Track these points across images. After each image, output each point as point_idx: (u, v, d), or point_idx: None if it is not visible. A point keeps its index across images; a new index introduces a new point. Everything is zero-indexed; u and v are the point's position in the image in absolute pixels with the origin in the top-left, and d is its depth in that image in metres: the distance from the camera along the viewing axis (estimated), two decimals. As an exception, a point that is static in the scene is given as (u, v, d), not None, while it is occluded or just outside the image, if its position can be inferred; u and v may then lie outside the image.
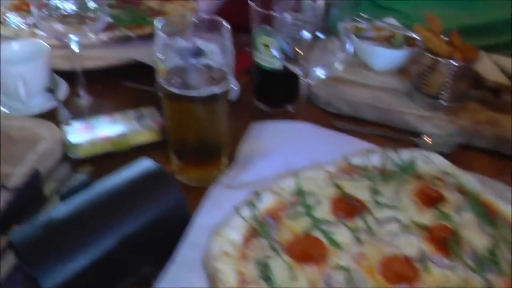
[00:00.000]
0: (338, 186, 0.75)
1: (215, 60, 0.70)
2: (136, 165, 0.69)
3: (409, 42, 1.06)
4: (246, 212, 0.69)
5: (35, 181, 0.79)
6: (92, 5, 0.93)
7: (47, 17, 0.93)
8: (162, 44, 0.70)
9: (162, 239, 0.66)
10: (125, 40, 1.09)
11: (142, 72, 1.05)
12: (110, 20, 0.95)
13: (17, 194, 0.75)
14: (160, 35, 0.69)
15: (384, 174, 0.78)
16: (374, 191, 0.75)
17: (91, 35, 0.94)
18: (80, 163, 0.85)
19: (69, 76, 1.03)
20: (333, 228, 0.69)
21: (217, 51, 0.70)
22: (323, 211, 0.71)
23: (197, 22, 0.74)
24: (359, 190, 0.75)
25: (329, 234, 0.68)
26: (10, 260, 0.66)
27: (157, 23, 0.71)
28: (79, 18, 0.94)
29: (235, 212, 0.69)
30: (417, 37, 1.03)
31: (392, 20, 1.13)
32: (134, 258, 0.64)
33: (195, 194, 0.72)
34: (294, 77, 0.93)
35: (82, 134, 0.87)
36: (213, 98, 0.71)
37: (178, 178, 0.80)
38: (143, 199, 0.65)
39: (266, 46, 0.89)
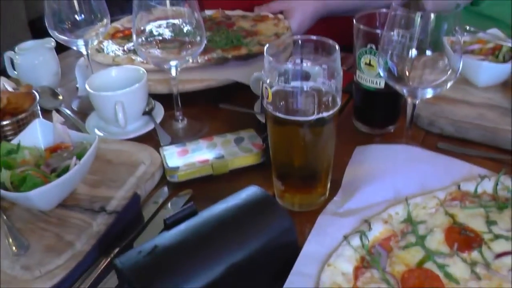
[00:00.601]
0: (450, 215, 0.71)
1: (323, 83, 0.67)
2: (242, 192, 0.68)
3: (516, 54, 0.99)
4: (356, 242, 0.67)
5: (134, 204, 0.80)
6: (187, 29, 0.94)
7: (145, 43, 0.94)
8: (269, 68, 0.69)
9: (270, 266, 0.65)
10: (221, 62, 1.09)
11: (236, 94, 1.06)
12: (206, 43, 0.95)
13: (117, 217, 0.77)
14: (268, 59, 0.68)
15: (498, 202, 0.73)
16: (489, 221, 0.70)
17: (190, 59, 0.95)
18: (179, 186, 0.85)
19: (164, 98, 1.05)
20: (448, 260, 0.65)
21: (322, 73, 0.68)
22: (436, 241, 0.68)
23: (302, 44, 0.72)
24: (472, 219, 0.71)
25: (445, 268, 0.64)
26: (111, 282, 0.67)
27: (266, 47, 0.70)
28: (177, 43, 0.95)
29: (345, 242, 0.67)
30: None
31: (496, 31, 1.05)
32: (242, 286, 0.62)
33: (298, 219, 0.70)
34: (396, 97, 0.90)
35: (180, 157, 0.88)
36: (321, 121, 0.69)
37: (279, 203, 0.78)
38: (251, 226, 0.63)
39: (369, 65, 0.86)
